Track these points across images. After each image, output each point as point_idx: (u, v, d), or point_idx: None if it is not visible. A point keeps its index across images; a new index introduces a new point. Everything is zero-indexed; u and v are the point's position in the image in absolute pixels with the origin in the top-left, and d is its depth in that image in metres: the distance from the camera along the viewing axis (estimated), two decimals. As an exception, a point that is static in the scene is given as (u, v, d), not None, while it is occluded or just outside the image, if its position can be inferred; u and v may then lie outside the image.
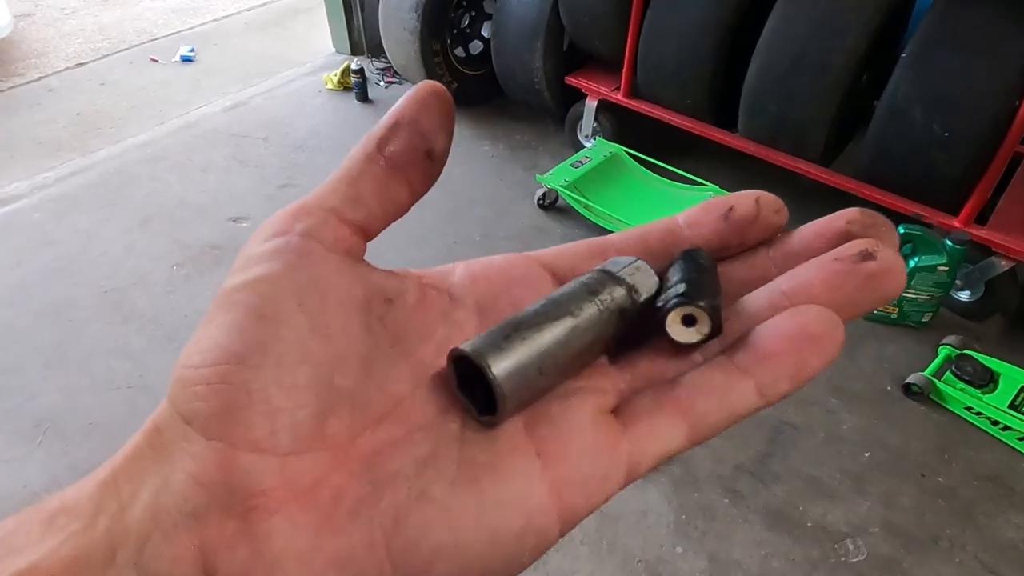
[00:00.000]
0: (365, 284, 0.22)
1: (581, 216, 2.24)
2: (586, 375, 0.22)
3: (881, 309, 1.93)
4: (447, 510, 0.19)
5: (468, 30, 2.84)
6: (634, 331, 0.23)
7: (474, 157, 2.63)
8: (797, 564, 1.44)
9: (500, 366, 0.19)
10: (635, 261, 0.23)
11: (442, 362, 0.22)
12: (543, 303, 0.22)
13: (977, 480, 1.59)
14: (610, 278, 0.23)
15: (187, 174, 2.52)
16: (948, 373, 1.74)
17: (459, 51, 2.81)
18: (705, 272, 0.23)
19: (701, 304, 0.21)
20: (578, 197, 2.21)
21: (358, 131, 2.80)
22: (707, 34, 2.08)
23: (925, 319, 1.92)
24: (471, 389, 0.21)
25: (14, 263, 2.11)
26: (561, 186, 2.23)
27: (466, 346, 0.20)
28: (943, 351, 1.82)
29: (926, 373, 1.75)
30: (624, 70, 2.34)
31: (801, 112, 2.00)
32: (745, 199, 0.24)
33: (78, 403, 1.71)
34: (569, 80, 2.52)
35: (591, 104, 2.49)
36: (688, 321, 0.21)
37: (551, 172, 2.29)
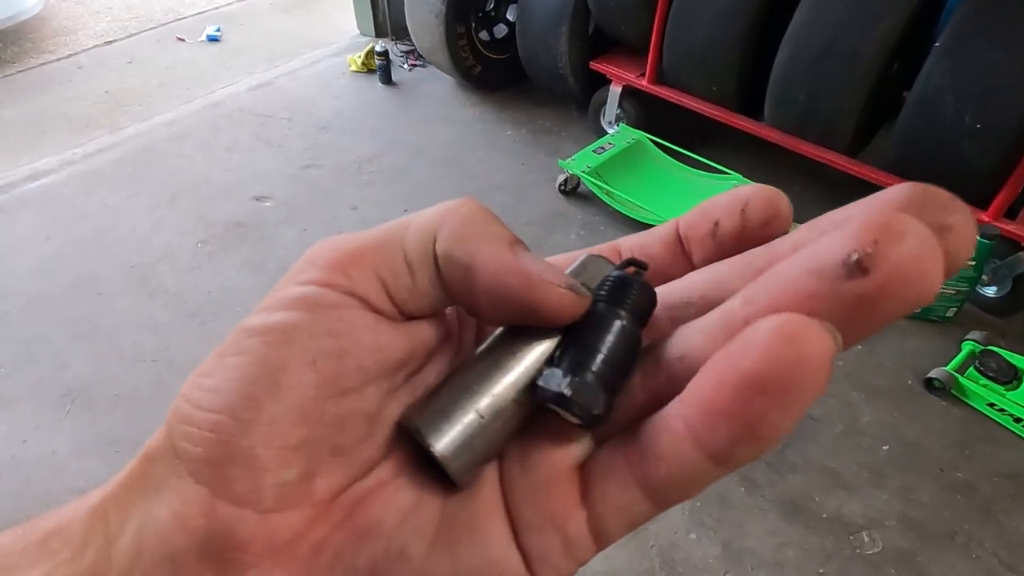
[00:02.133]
0: (408, 340, 0.20)
1: (602, 203, 2.23)
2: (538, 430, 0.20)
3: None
4: (423, 572, 0.18)
5: (493, 13, 2.83)
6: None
7: (496, 141, 2.62)
8: (811, 554, 1.44)
9: (443, 441, 0.18)
10: (583, 258, 0.21)
11: None
12: (485, 347, 0.20)
13: (997, 477, 1.58)
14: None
15: (212, 152, 2.54)
16: (971, 369, 1.72)
17: (483, 34, 2.79)
18: (613, 332, 0.18)
19: (574, 410, 0.18)
20: (600, 183, 2.20)
21: (381, 114, 2.81)
22: (736, 20, 2.05)
23: (949, 314, 1.89)
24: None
25: (44, 237, 2.15)
26: (583, 172, 2.22)
27: (407, 421, 0.19)
28: (967, 346, 1.79)
29: (949, 368, 1.73)
30: (650, 56, 2.31)
31: (830, 101, 1.97)
32: (731, 211, 0.20)
33: (105, 374, 1.75)
34: (594, 65, 2.50)
35: (615, 90, 2.48)
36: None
37: (573, 158, 2.28)
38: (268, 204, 2.31)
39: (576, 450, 0.19)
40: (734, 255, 0.20)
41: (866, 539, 1.47)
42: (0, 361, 1.77)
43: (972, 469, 1.59)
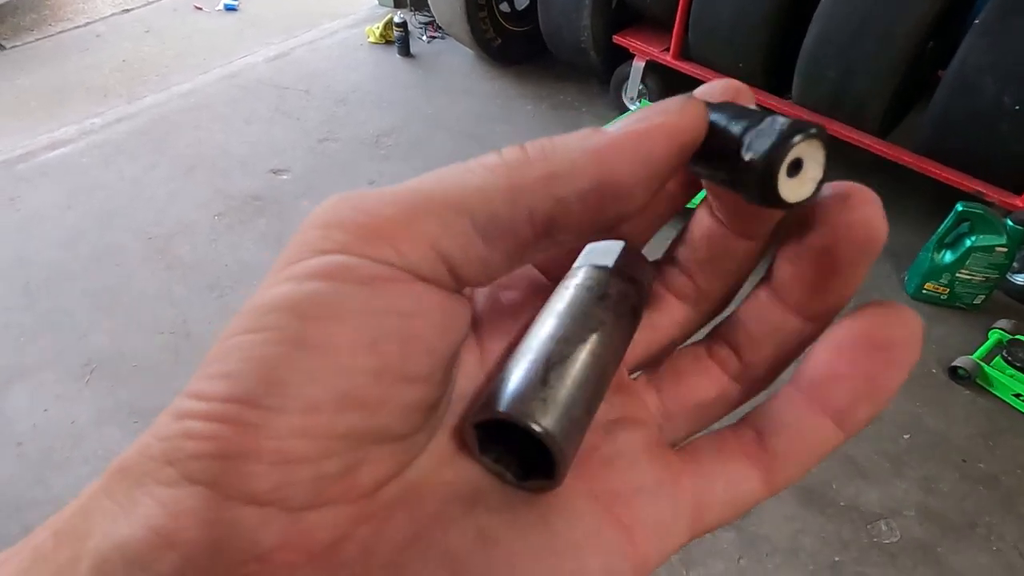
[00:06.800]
0: (468, 314, 0.17)
1: (623, 181, 2.19)
2: (616, 401, 0.19)
3: (931, 289, 1.87)
4: (516, 555, 0.15)
5: (515, -16, 2.77)
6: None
7: (515, 116, 2.58)
8: (828, 542, 1.43)
9: (548, 421, 0.16)
10: (622, 247, 0.20)
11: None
12: (555, 324, 0.18)
13: (1021, 469, 1.55)
14: (611, 274, 0.19)
15: (230, 124, 2.53)
16: (998, 358, 1.68)
17: (504, 6, 2.73)
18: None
19: (812, 131, 0.15)
20: (621, 161, 2.16)
21: (399, 86, 2.77)
22: (766, -6, 1.98)
23: (977, 301, 1.85)
24: (499, 444, 0.17)
25: (65, 206, 2.16)
26: (604, 149, 2.18)
27: (502, 406, 0.16)
28: (994, 335, 1.75)
29: (974, 357, 1.69)
30: (675, 30, 2.25)
31: (862, 80, 1.91)
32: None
33: (124, 345, 1.76)
34: (617, 39, 2.44)
35: (638, 65, 2.42)
36: (792, 170, 0.16)
37: (594, 134, 2.24)
38: (285, 177, 2.30)
39: (651, 432, 0.19)
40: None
41: (884, 528, 1.45)
42: (21, 330, 1.79)
43: (995, 460, 1.57)
